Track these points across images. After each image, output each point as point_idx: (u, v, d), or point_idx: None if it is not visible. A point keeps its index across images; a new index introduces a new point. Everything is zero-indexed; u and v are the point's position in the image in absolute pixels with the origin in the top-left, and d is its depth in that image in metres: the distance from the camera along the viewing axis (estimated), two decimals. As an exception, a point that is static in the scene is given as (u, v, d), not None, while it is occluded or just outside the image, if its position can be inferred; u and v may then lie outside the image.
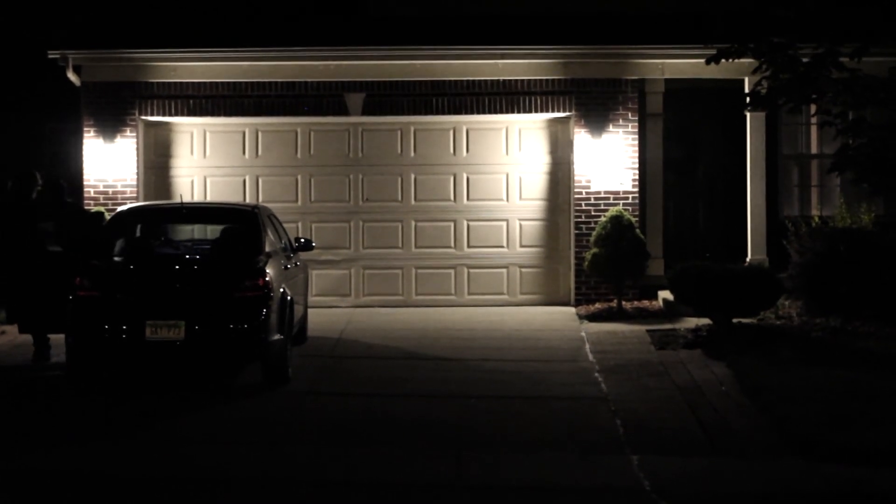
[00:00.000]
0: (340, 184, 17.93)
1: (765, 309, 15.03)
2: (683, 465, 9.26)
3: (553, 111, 17.55)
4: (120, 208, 13.85)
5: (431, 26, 17.89)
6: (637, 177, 17.51)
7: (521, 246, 17.92)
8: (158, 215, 14.27)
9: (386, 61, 17.50)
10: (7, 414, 11.19)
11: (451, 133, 17.96)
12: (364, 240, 17.80)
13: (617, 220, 16.61)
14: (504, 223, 17.96)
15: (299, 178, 17.98)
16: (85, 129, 17.51)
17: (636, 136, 17.53)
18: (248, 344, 11.71)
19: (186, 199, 16.59)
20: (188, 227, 15.86)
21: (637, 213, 17.33)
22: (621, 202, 17.25)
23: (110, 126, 17.43)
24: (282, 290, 12.25)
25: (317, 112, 17.66)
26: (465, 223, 17.97)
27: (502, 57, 17.40)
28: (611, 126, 17.46)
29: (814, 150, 18.34)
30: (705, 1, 16.81)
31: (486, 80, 17.49)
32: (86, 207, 16.88)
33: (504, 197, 17.95)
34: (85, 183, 17.41)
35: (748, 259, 17.25)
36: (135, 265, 12.09)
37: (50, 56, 17.23)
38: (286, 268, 12.96)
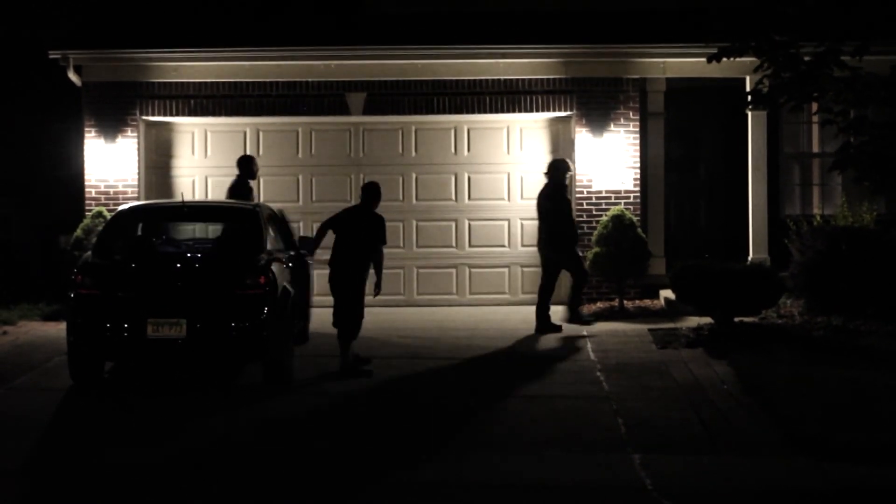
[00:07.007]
0: (341, 183, 17.93)
1: (766, 308, 15.01)
2: (685, 464, 9.25)
3: (554, 110, 17.54)
4: (121, 207, 13.85)
5: (432, 25, 17.90)
6: (638, 176, 17.50)
7: (523, 245, 17.91)
8: (160, 214, 14.27)
9: (387, 61, 17.50)
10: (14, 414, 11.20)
11: (453, 132, 17.96)
12: (365, 239, 17.76)
13: (618, 219, 16.62)
14: (505, 222, 17.95)
15: (300, 177, 17.98)
16: (86, 129, 17.51)
17: (637, 136, 17.52)
18: (249, 342, 11.71)
19: (188, 198, 16.56)
20: (189, 226, 15.85)
21: (638, 212, 17.33)
22: (623, 201, 17.25)
23: (111, 126, 17.43)
24: (283, 288, 12.24)
25: (318, 112, 17.67)
26: (466, 222, 17.96)
27: (503, 56, 17.40)
28: (612, 125, 17.46)
29: (815, 148, 18.33)
30: (706, -1, 16.82)
31: (486, 80, 17.49)
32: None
33: (505, 196, 17.94)
34: (86, 183, 17.41)
35: (750, 258, 17.24)
36: (136, 263, 12.08)
37: (51, 56, 17.23)
38: (287, 266, 12.95)
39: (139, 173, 17.52)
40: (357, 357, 12.88)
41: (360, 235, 12.84)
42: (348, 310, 12.76)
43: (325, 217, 16.49)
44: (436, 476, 8.98)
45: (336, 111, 17.63)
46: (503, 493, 8.58)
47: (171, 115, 17.60)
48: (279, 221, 14.08)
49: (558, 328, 15.17)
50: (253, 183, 16.04)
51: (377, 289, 12.86)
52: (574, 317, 15.52)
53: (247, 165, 15.95)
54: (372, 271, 12.88)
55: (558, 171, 15.46)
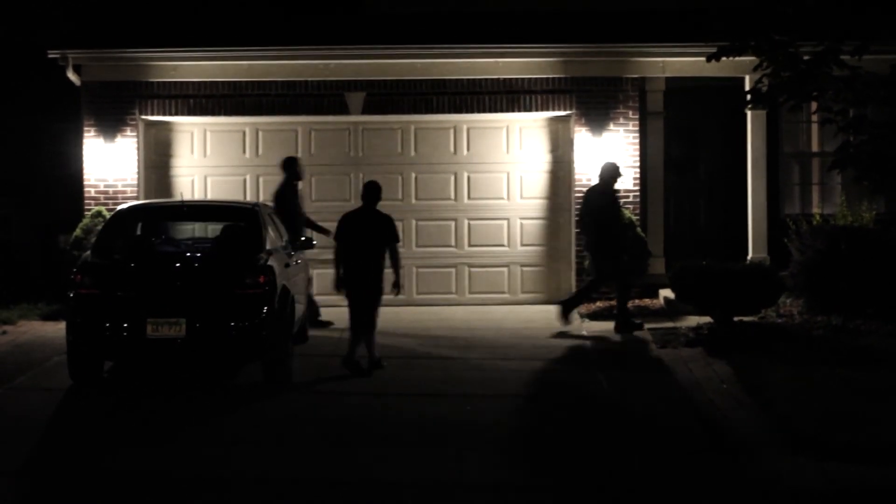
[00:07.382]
0: (341, 183, 17.94)
1: (766, 307, 15.02)
2: (686, 464, 9.24)
3: (554, 110, 17.54)
4: (120, 206, 13.84)
5: (431, 25, 17.90)
6: (638, 175, 17.50)
7: (522, 245, 17.92)
8: (159, 213, 14.28)
9: (386, 60, 17.50)
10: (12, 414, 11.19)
11: (452, 132, 17.96)
12: (365, 239, 17.76)
13: (618, 218, 16.60)
14: (505, 222, 17.95)
15: (300, 177, 17.95)
16: (85, 128, 17.50)
17: (637, 135, 17.52)
18: (249, 341, 11.70)
19: (187, 198, 16.57)
20: (189, 226, 15.85)
21: (638, 211, 17.33)
22: (622, 201, 17.21)
23: (111, 126, 17.42)
24: (283, 287, 12.23)
25: (317, 111, 17.66)
26: (465, 222, 17.96)
27: (502, 56, 17.39)
28: (611, 125, 17.46)
29: (815, 147, 18.34)
30: (706, -2, 16.83)
31: (486, 79, 17.48)
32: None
33: (505, 196, 17.94)
34: (85, 182, 17.41)
35: (749, 257, 17.24)
36: (136, 263, 12.07)
37: (50, 56, 17.22)
38: (287, 266, 12.95)
39: (139, 173, 17.51)
40: (377, 360, 12.86)
41: (370, 237, 12.77)
42: (366, 314, 12.71)
43: (325, 216, 16.67)
44: (434, 476, 8.98)
45: (335, 111, 17.63)
46: (502, 494, 8.57)
47: (171, 114, 17.60)
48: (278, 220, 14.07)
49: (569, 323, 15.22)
50: (301, 184, 15.88)
51: (396, 288, 12.82)
52: (624, 326, 15.13)
53: (292, 167, 15.67)
54: (388, 270, 12.79)
55: (608, 175, 15.24)
